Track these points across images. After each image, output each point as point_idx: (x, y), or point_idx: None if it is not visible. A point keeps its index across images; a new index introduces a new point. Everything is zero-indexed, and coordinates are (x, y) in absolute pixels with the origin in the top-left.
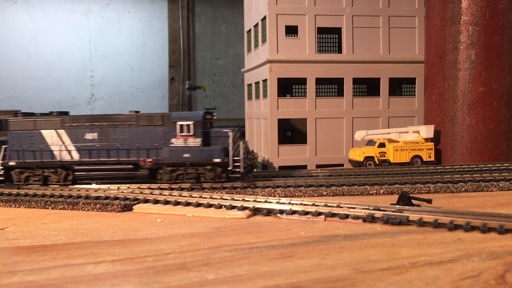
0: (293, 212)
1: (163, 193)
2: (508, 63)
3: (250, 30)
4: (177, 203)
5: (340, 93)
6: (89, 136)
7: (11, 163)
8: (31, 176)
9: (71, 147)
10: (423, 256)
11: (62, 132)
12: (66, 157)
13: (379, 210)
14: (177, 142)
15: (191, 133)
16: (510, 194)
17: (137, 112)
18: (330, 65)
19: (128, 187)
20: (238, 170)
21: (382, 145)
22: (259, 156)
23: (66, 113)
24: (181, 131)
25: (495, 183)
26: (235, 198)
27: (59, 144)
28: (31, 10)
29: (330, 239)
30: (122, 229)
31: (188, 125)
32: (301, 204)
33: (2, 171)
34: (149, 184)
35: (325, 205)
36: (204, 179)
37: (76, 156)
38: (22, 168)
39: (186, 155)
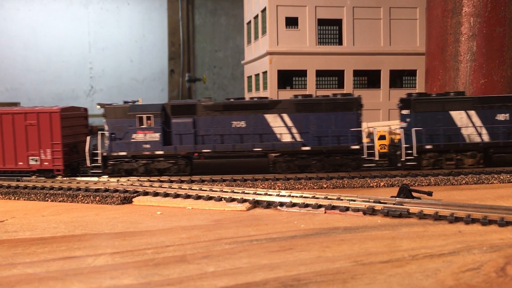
0: (293, 205)
1: (162, 186)
2: (510, 55)
3: (250, 22)
4: (176, 196)
5: (341, 85)
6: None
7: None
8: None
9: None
10: (424, 249)
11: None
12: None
13: (380, 202)
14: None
15: None
16: (511, 187)
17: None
18: (330, 57)
19: (128, 180)
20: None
21: (382, 137)
22: None
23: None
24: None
25: (496, 176)
26: (235, 191)
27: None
28: (29, 1)
29: (330, 231)
30: (121, 221)
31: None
32: (301, 196)
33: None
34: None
35: (325, 198)
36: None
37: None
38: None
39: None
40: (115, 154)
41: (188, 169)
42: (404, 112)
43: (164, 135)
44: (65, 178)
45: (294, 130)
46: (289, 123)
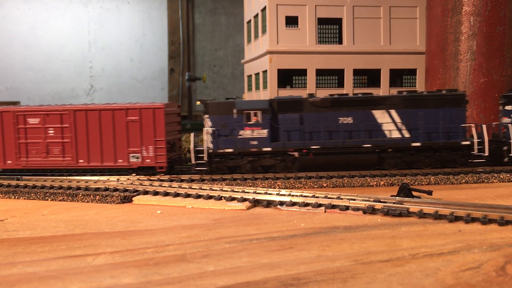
0: (293, 204)
1: (162, 185)
2: (510, 54)
3: (250, 21)
4: (176, 195)
5: (341, 84)
6: None
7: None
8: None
9: None
10: (424, 248)
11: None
12: None
13: (380, 201)
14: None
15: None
16: (511, 186)
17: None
18: (330, 56)
19: (128, 179)
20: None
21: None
22: None
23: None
24: None
25: (496, 175)
26: (235, 190)
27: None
28: (29, 0)
29: (330, 230)
30: (121, 220)
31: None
32: (301, 195)
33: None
34: (148, 176)
35: (325, 197)
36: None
37: None
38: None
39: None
40: (221, 151)
41: (294, 166)
42: (508, 107)
43: (271, 131)
44: (65, 177)
45: (401, 126)
46: (397, 119)
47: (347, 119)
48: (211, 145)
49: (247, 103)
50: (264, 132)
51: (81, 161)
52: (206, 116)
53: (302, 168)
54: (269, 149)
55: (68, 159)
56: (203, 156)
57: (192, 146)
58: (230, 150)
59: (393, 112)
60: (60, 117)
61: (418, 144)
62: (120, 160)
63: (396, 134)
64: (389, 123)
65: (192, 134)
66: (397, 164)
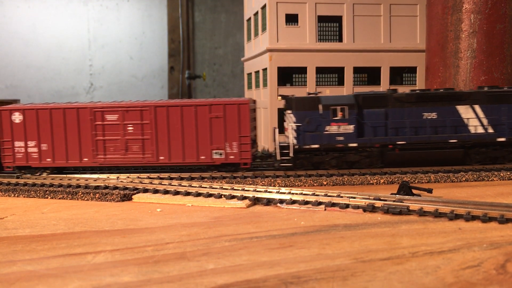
0: (293, 202)
1: (162, 183)
2: (510, 52)
3: (250, 19)
4: (176, 193)
5: (341, 82)
6: None
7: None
8: None
9: None
10: (424, 246)
11: None
12: None
13: (380, 199)
14: None
15: None
16: (511, 184)
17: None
18: (330, 54)
19: (128, 177)
20: None
21: None
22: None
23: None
24: None
25: (496, 173)
26: (235, 188)
27: None
28: None
29: (330, 229)
30: (121, 218)
31: None
32: (301, 193)
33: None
34: (148, 174)
35: (325, 195)
36: None
37: None
38: None
39: None
40: (307, 147)
41: (379, 162)
42: None
43: (357, 127)
44: (66, 176)
45: (485, 122)
46: (481, 114)
47: (431, 115)
48: (295, 141)
49: (333, 98)
50: (350, 128)
51: (161, 158)
52: (289, 111)
53: (387, 164)
54: (355, 144)
55: (148, 156)
56: (288, 152)
57: (277, 142)
58: (316, 146)
59: (477, 107)
60: (140, 113)
61: (503, 139)
62: (202, 157)
63: (480, 130)
64: (473, 118)
65: (276, 130)
66: (481, 159)
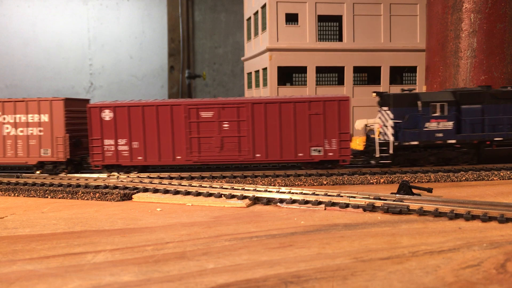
0: (293, 201)
1: (162, 182)
2: (510, 51)
3: (250, 18)
4: (176, 192)
5: (341, 81)
6: None
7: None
8: None
9: None
10: (424, 245)
11: None
12: None
13: (380, 199)
14: None
15: None
16: (511, 183)
17: None
18: (330, 53)
19: (128, 176)
20: None
21: None
22: None
23: None
24: None
25: (496, 172)
26: (235, 187)
27: None
28: None
29: (330, 228)
30: (121, 218)
31: None
32: (301, 193)
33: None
34: (148, 173)
35: (325, 194)
36: None
37: None
38: None
39: None
40: (407, 143)
41: (475, 158)
42: None
43: (456, 123)
44: (66, 176)
45: None
46: None
47: None
48: (392, 138)
49: (432, 95)
50: (449, 124)
51: (258, 155)
52: (386, 108)
53: (484, 160)
54: (453, 141)
55: (244, 154)
56: (387, 149)
57: (377, 138)
58: (416, 142)
59: None
60: (236, 110)
61: None
62: (300, 154)
63: None
64: None
65: (377, 126)
66: None
